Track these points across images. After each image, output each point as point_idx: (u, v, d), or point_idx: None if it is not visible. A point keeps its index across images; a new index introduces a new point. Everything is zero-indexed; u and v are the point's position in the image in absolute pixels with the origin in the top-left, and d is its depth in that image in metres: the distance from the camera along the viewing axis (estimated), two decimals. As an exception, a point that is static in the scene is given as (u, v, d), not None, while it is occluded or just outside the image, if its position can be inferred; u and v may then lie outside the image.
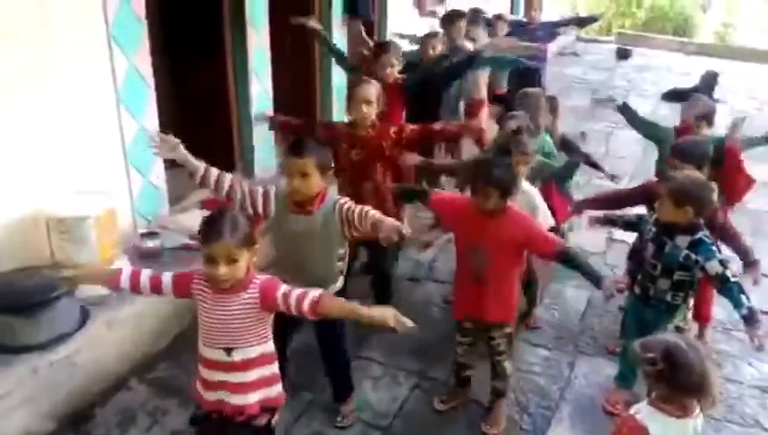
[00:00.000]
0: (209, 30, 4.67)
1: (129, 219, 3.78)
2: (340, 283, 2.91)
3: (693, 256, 2.80)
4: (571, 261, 2.75)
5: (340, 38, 6.00)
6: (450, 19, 5.67)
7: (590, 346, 3.75)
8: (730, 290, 2.71)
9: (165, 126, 4.02)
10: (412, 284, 4.36)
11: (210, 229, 2.13)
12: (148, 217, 3.91)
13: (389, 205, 3.60)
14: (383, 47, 4.41)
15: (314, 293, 2.19)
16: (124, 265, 2.62)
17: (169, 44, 4.71)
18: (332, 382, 3.11)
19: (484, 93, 5.95)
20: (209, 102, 4.85)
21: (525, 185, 3.30)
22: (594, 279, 2.69)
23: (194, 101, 4.86)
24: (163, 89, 4.11)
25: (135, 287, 2.31)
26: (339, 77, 5.89)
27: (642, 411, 2.10)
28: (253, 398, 2.29)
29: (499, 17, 6.74)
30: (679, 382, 1.99)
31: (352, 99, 3.47)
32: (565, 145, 4.25)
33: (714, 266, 2.74)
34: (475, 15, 6.20)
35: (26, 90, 3.08)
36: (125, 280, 2.31)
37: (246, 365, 2.26)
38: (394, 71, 4.25)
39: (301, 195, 2.66)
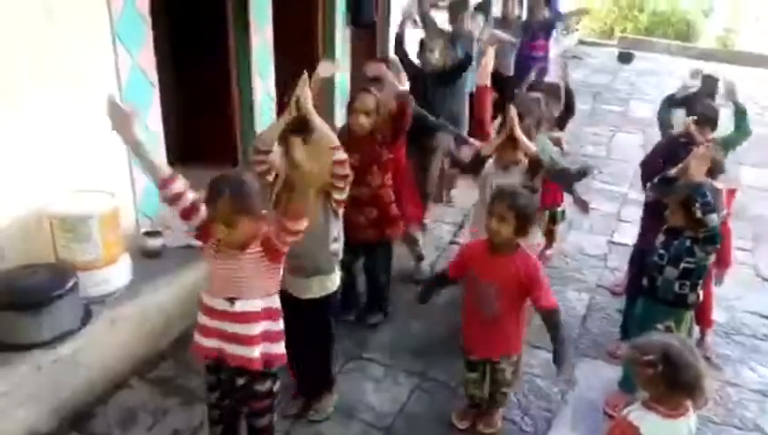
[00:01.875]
0: (213, 29, 4.68)
1: (132, 218, 3.78)
2: (336, 276, 2.92)
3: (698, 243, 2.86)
4: (555, 324, 2.74)
5: (342, 42, 6.01)
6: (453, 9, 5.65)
7: (591, 349, 3.75)
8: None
9: (168, 125, 4.04)
10: (412, 285, 4.36)
11: (210, 191, 2.20)
12: (150, 217, 3.91)
13: (388, 208, 3.62)
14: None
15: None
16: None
17: (172, 43, 4.71)
18: (317, 376, 3.13)
19: (488, 80, 5.96)
20: (212, 102, 4.85)
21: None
22: (561, 356, 2.71)
23: (197, 100, 4.87)
24: (166, 88, 4.12)
25: (175, 200, 2.26)
26: (341, 76, 5.92)
27: (634, 412, 2.12)
28: (255, 351, 2.32)
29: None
30: (678, 382, 2.00)
31: (351, 109, 3.45)
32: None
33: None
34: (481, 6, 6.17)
35: (30, 88, 3.08)
36: (172, 188, 2.24)
37: (248, 317, 2.30)
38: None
39: None
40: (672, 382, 2.01)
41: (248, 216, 2.18)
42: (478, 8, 6.01)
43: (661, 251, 3.00)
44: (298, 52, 5.73)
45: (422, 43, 4.92)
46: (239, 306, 2.29)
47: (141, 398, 3.18)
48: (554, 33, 6.98)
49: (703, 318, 3.68)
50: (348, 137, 3.47)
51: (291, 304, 2.48)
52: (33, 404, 2.82)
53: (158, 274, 3.52)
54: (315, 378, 3.14)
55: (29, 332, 2.87)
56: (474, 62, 5.57)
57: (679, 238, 2.93)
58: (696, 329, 3.69)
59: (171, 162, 4.11)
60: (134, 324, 3.31)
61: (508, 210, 2.67)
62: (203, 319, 2.37)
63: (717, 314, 3.90)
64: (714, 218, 2.77)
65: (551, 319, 2.75)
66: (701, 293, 3.01)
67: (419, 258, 4.52)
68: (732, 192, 3.78)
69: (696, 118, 3.79)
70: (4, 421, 2.70)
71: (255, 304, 2.31)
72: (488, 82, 5.82)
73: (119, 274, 3.33)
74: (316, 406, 3.11)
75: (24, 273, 2.98)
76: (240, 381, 2.42)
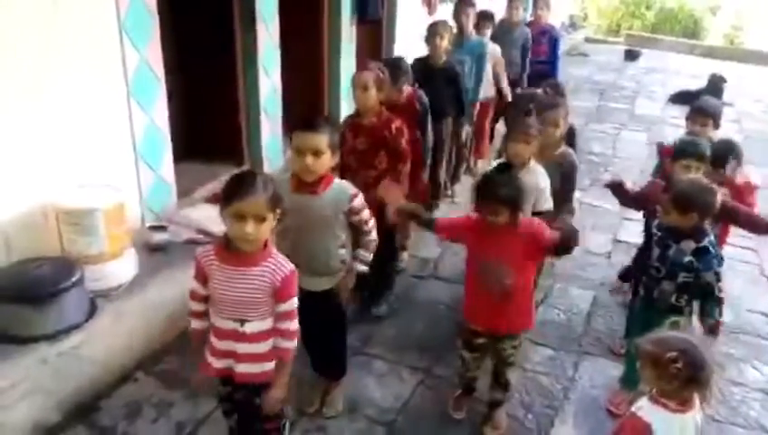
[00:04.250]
0: (219, 26, 4.69)
1: (138, 212, 3.80)
2: (342, 271, 2.89)
3: (695, 264, 2.84)
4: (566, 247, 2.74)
5: (348, 39, 6.01)
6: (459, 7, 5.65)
7: (594, 346, 3.75)
8: (709, 303, 2.86)
9: (174, 121, 4.05)
10: (417, 281, 4.37)
11: (243, 185, 2.07)
12: (156, 211, 3.93)
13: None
14: (391, 65, 4.06)
15: (292, 344, 2.26)
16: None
17: (179, 39, 4.72)
18: (330, 363, 3.15)
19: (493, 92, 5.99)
20: (218, 98, 4.87)
21: (533, 164, 3.33)
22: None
23: (203, 96, 4.88)
24: (173, 83, 4.13)
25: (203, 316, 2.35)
26: (346, 69, 5.92)
27: (644, 408, 2.13)
28: (262, 368, 2.28)
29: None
30: (695, 379, 2.02)
31: (352, 86, 3.50)
32: (569, 136, 4.24)
33: (707, 276, 2.82)
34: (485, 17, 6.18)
35: (38, 82, 3.10)
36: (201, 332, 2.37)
37: (258, 337, 2.24)
38: (403, 87, 4.04)
39: (311, 174, 2.60)
40: (689, 379, 2.02)
41: (273, 212, 2.13)
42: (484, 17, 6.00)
43: (656, 264, 2.96)
44: (304, 48, 5.75)
45: (431, 28, 4.87)
46: (249, 327, 2.22)
47: (146, 391, 3.19)
48: (559, 41, 6.96)
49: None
50: (355, 120, 3.54)
51: (302, 295, 2.46)
52: (39, 397, 2.83)
53: (162, 268, 3.54)
54: (330, 366, 3.16)
55: (34, 325, 2.89)
56: (482, 72, 5.58)
57: (671, 249, 2.89)
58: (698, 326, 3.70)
59: (177, 158, 4.14)
60: (139, 318, 3.32)
61: (497, 204, 2.64)
62: (213, 341, 2.30)
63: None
64: (708, 276, 2.82)
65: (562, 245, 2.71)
66: (695, 304, 2.97)
67: (403, 247, 4.53)
68: (752, 187, 3.74)
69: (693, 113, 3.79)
70: (10, 414, 2.72)
71: (267, 323, 2.25)
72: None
73: (124, 267, 3.35)
74: (327, 400, 3.12)
75: (30, 266, 3.00)
76: (257, 401, 2.38)
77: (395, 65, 4.05)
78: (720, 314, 2.85)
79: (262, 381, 2.32)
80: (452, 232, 2.97)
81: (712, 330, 2.83)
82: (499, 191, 2.64)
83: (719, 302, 2.85)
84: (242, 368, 2.29)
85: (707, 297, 2.86)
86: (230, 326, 2.24)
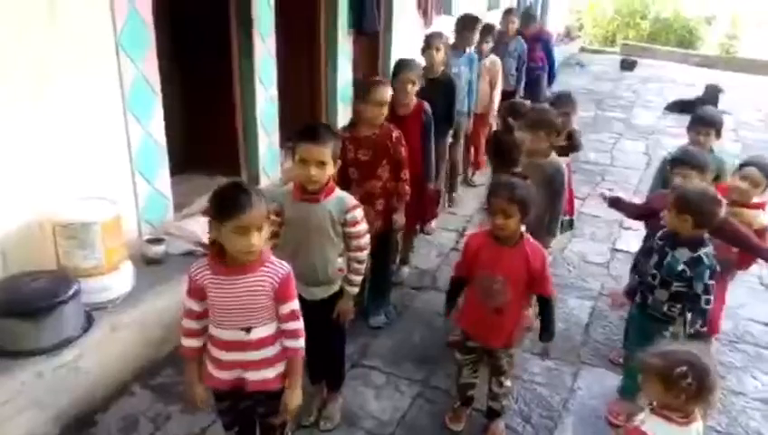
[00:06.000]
0: (216, 37, 4.70)
1: (135, 225, 3.79)
2: (340, 280, 2.89)
3: (688, 272, 2.84)
4: (550, 310, 2.90)
5: (345, 53, 6.03)
6: (461, 25, 5.62)
7: (593, 357, 3.74)
8: (693, 312, 2.86)
9: (170, 133, 4.05)
10: (415, 292, 4.36)
11: (240, 199, 2.05)
12: (153, 224, 3.92)
13: (397, 202, 3.64)
14: (399, 66, 4.05)
15: (300, 342, 2.28)
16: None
17: (176, 50, 4.73)
18: (328, 373, 3.16)
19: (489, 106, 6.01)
20: (215, 109, 4.87)
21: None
22: (548, 335, 2.94)
23: (199, 107, 4.89)
24: (169, 96, 4.13)
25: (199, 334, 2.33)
26: (343, 82, 5.94)
27: (646, 421, 2.11)
28: (273, 372, 2.29)
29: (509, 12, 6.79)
30: (703, 393, 2.01)
31: (367, 100, 3.42)
32: (569, 137, 4.23)
33: (697, 286, 2.83)
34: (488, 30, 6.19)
35: (34, 95, 3.10)
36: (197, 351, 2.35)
37: (265, 342, 2.24)
38: (413, 89, 3.97)
39: (314, 184, 2.64)
40: (698, 392, 2.01)
41: (268, 220, 2.16)
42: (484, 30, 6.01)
43: (653, 271, 2.97)
44: (301, 60, 5.77)
45: (428, 40, 4.84)
46: (254, 334, 2.22)
47: (143, 404, 3.17)
48: (552, 45, 7.02)
49: (709, 326, 3.65)
50: (353, 132, 3.52)
51: (301, 304, 2.46)
52: (35, 411, 2.82)
53: (159, 281, 3.52)
54: (329, 375, 3.16)
55: (30, 338, 2.87)
56: (474, 85, 5.59)
57: (668, 256, 2.90)
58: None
59: (174, 170, 4.14)
60: (136, 331, 3.31)
61: (510, 204, 2.67)
62: (216, 353, 2.28)
63: (722, 323, 3.87)
64: (697, 286, 2.83)
65: (548, 305, 2.89)
66: (688, 314, 2.95)
67: (403, 261, 4.54)
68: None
69: (693, 123, 3.78)
70: (6, 428, 2.70)
71: (271, 328, 2.25)
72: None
73: (120, 281, 3.33)
74: (325, 413, 3.11)
75: (27, 280, 2.98)
76: (260, 410, 2.39)
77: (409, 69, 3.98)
78: (702, 325, 2.85)
79: (272, 389, 2.32)
80: (468, 259, 2.94)
81: (694, 338, 2.81)
82: (512, 189, 2.70)
83: (703, 313, 2.85)
84: (254, 375, 2.29)
85: (693, 306, 2.86)
86: (236, 336, 2.23)
